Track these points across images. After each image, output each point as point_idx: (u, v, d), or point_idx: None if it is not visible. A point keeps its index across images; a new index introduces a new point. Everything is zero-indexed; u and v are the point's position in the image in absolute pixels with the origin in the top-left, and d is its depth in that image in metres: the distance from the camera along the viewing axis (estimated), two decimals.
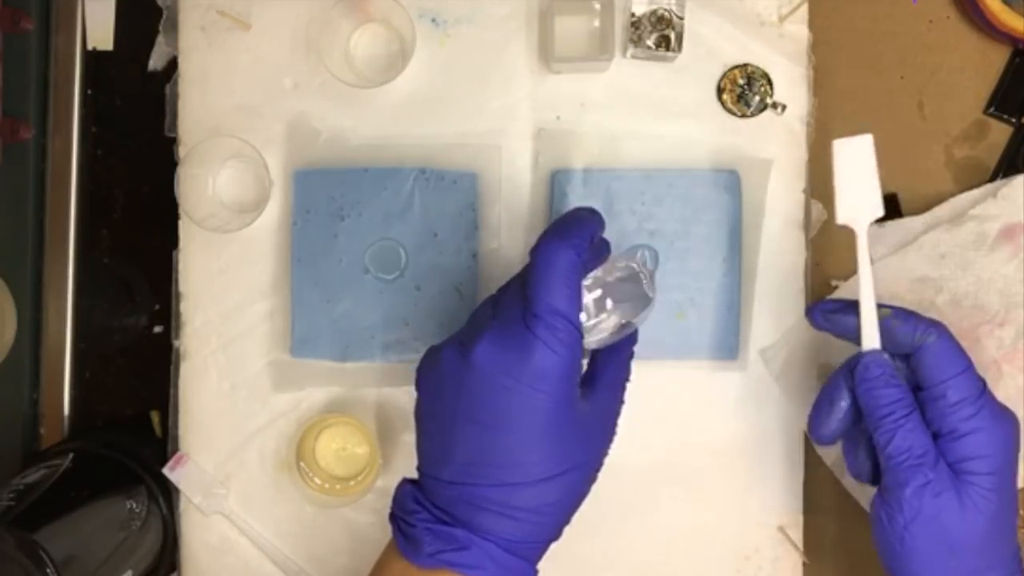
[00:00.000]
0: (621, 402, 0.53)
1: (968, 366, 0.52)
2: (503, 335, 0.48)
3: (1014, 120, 0.66)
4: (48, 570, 0.54)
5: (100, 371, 0.71)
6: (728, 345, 0.64)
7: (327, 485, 0.64)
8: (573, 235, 0.49)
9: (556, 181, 0.64)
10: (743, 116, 0.64)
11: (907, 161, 0.66)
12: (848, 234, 0.66)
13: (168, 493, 0.65)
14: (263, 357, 0.65)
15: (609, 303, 0.52)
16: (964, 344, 0.53)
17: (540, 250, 0.49)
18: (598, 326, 0.52)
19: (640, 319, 0.54)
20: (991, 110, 0.66)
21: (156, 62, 0.70)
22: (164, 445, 0.66)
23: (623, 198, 0.63)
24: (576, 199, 0.63)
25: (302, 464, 0.63)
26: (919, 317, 0.54)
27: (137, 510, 0.64)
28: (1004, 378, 0.63)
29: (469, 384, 0.48)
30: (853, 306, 0.55)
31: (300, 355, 0.65)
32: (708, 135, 0.64)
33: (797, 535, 0.64)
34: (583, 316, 0.50)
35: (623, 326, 0.53)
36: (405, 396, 0.65)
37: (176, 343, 0.66)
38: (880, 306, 0.54)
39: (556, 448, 0.48)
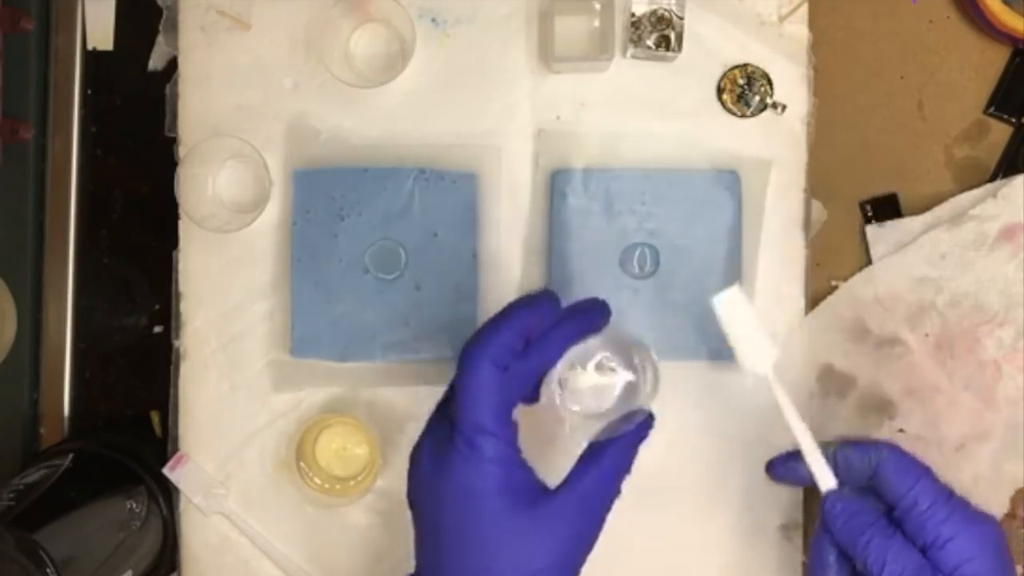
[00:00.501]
0: (614, 493, 0.49)
1: (928, 471, 0.51)
2: (436, 450, 0.48)
3: (1014, 120, 0.66)
4: (48, 570, 0.54)
5: (100, 371, 0.71)
6: (728, 345, 0.63)
7: (327, 485, 0.64)
8: (494, 342, 0.47)
9: (556, 181, 0.64)
10: (743, 116, 0.64)
11: (907, 161, 0.66)
12: (848, 235, 0.67)
13: (168, 493, 0.65)
14: (263, 357, 0.65)
15: (607, 396, 0.49)
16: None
17: (462, 361, 0.47)
18: (593, 420, 0.49)
19: (647, 404, 0.50)
20: (991, 110, 0.66)
21: (156, 62, 0.70)
22: (164, 445, 0.66)
23: (623, 198, 0.63)
24: (576, 199, 0.63)
25: (302, 464, 0.63)
26: (866, 441, 0.52)
27: (137, 510, 0.64)
28: (1004, 378, 0.63)
29: (419, 492, 0.49)
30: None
31: (300, 355, 0.65)
32: (708, 135, 0.64)
33: (797, 535, 0.64)
34: (576, 407, 0.49)
35: (628, 416, 0.49)
36: (405, 396, 0.65)
37: (176, 343, 0.66)
38: (827, 443, 0.53)
39: (504, 557, 0.46)
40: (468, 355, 0.47)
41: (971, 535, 0.49)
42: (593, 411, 0.49)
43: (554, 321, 0.49)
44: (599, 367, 0.50)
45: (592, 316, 0.50)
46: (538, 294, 0.50)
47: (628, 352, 0.50)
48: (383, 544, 0.65)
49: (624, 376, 0.50)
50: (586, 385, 0.49)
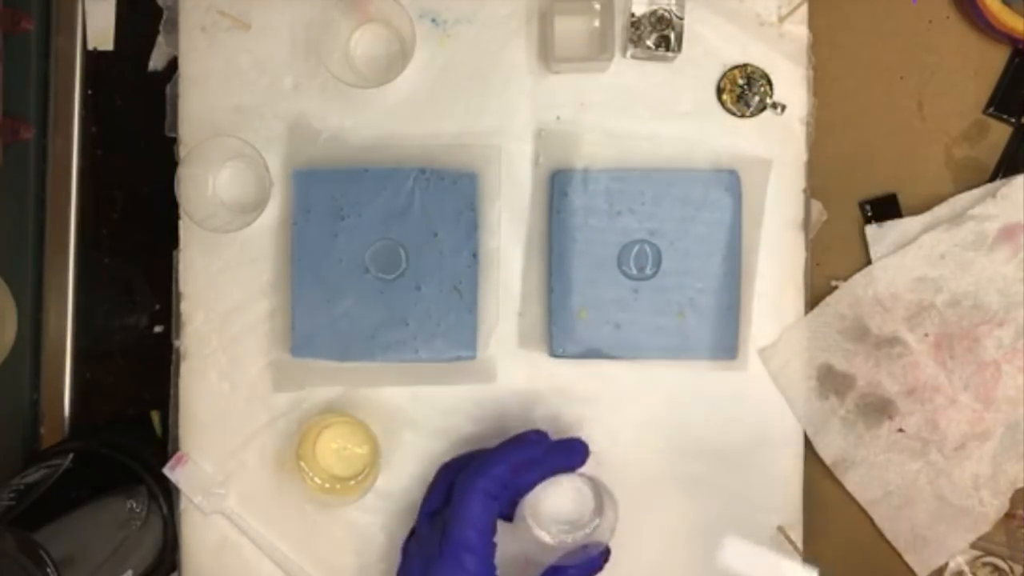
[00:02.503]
0: None
1: None
2: (425, 555, 0.54)
3: (1014, 120, 0.66)
4: (48, 570, 0.54)
5: (100, 371, 0.71)
6: (728, 345, 0.64)
7: (327, 485, 0.64)
8: (491, 475, 0.54)
9: (556, 181, 0.64)
10: (743, 116, 0.64)
11: (907, 161, 0.66)
12: (848, 235, 0.67)
13: (168, 493, 0.65)
14: (263, 357, 0.65)
15: (572, 527, 0.55)
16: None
17: (458, 487, 0.54)
18: (558, 547, 0.55)
19: (606, 539, 0.55)
20: (991, 110, 0.66)
21: (156, 62, 0.70)
22: (164, 445, 0.66)
23: (623, 198, 0.63)
24: (576, 199, 0.63)
25: (302, 464, 0.63)
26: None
27: (137, 510, 0.64)
28: (1004, 378, 0.63)
29: None
30: None
31: (300, 355, 0.65)
32: (708, 135, 0.64)
33: (797, 535, 0.64)
34: (542, 534, 0.54)
35: (588, 546, 0.55)
36: (405, 396, 0.65)
37: (176, 343, 0.66)
38: None
39: None
40: (467, 485, 0.54)
41: None
42: (559, 539, 0.55)
43: (540, 455, 0.56)
44: (566, 500, 0.56)
45: (572, 455, 0.57)
46: (531, 435, 0.57)
47: (596, 490, 0.56)
48: (383, 544, 0.65)
49: (588, 511, 0.56)
50: (555, 516, 0.56)
